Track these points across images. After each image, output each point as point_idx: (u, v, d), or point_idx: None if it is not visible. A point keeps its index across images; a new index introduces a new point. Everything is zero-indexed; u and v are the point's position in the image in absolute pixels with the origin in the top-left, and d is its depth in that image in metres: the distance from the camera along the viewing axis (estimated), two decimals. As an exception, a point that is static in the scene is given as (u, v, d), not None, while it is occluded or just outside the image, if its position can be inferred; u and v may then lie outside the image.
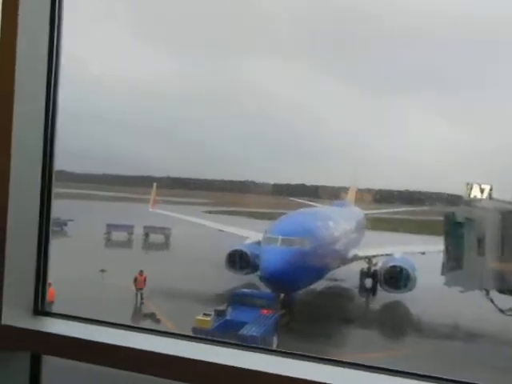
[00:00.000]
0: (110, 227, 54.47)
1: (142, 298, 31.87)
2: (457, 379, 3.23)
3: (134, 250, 51.96)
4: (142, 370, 3.68)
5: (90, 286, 33.31)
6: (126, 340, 3.82)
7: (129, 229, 55.05)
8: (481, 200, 21.61)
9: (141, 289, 32.06)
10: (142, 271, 32.43)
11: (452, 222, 21.51)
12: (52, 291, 28.84)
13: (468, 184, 21.95)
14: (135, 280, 32.08)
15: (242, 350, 3.76)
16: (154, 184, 53.49)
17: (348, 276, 38.21)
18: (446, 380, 3.25)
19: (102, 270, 36.95)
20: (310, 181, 67.84)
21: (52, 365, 4.10)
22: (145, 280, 32.17)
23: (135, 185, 73.75)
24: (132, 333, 4.07)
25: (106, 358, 3.76)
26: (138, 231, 54.68)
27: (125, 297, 31.19)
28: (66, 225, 56.68)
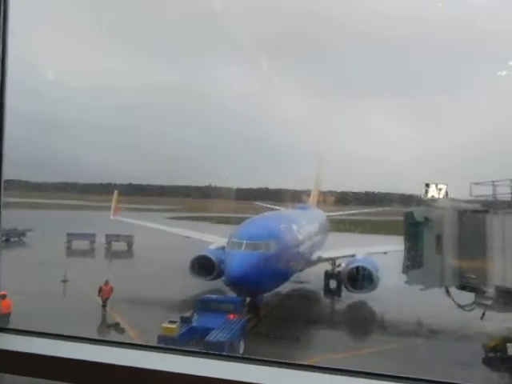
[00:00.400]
0: (71, 236, 53.28)
1: (105, 309, 30.80)
2: (425, 378, 3.29)
3: (96, 259, 50.93)
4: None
5: (51, 297, 32.49)
6: (88, 354, 3.70)
7: (90, 237, 53.96)
8: (438, 199, 22.19)
9: (107, 299, 31.12)
10: (107, 281, 31.51)
11: (411, 221, 21.98)
12: (8, 302, 27.75)
13: (425, 184, 22.48)
14: (100, 290, 31.09)
15: (206, 358, 3.72)
16: (115, 191, 52.62)
17: (313, 278, 38.58)
18: (412, 379, 3.31)
19: (64, 281, 36.07)
20: (273, 184, 68.45)
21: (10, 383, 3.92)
22: (111, 290, 31.26)
23: (96, 192, 72.51)
24: (94, 346, 3.95)
25: (67, 374, 3.63)
26: (100, 239, 53.71)
27: (87, 307, 30.46)
28: (24, 235, 55.12)
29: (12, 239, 53.90)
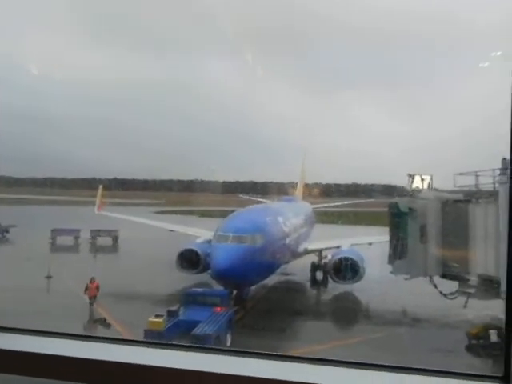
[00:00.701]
0: (55, 232, 52.77)
1: (92, 307, 29.98)
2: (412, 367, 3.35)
3: (81, 255, 50.56)
4: (92, 381, 3.54)
5: (35, 293, 32.21)
6: (74, 350, 3.68)
7: (75, 233, 53.51)
8: (422, 190, 22.39)
9: (94, 297, 30.25)
10: (93, 278, 30.71)
11: (396, 212, 22.17)
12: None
13: (410, 175, 22.66)
14: (86, 288, 30.31)
15: (194, 352, 3.73)
16: (100, 186, 52.18)
17: (299, 270, 38.78)
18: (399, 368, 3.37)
19: (48, 277, 35.78)
20: (259, 178, 68.45)
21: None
22: (97, 287, 30.48)
23: (82, 187, 71.88)
24: (81, 342, 3.92)
25: (54, 370, 3.58)
26: (85, 235, 53.31)
27: (73, 303, 30.25)
28: (7, 231, 54.41)
29: None
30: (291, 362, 3.55)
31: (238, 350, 3.67)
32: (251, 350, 3.66)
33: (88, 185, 66.41)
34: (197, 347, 3.82)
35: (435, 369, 3.35)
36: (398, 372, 3.36)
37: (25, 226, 51.63)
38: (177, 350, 3.82)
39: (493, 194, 19.82)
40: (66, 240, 52.28)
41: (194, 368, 3.38)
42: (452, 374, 3.31)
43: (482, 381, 3.28)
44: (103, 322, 27.89)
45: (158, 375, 3.40)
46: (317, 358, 3.54)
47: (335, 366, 3.42)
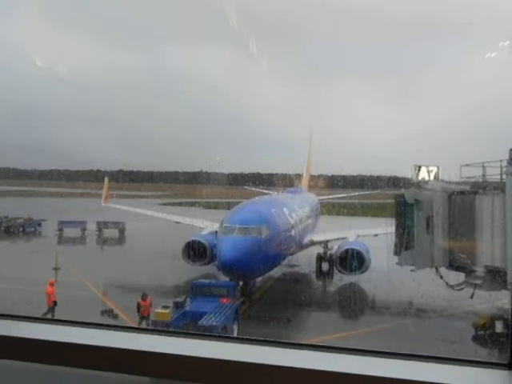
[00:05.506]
0: (62, 224, 53.09)
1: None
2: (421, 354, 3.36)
3: (87, 246, 50.86)
4: (101, 368, 3.57)
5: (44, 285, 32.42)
6: (83, 337, 3.72)
7: (81, 225, 53.82)
8: (428, 181, 22.23)
9: (146, 317, 25.87)
10: (145, 295, 26.53)
11: (402, 203, 22.01)
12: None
13: (416, 166, 22.50)
14: (138, 307, 26.24)
15: (201, 339, 3.76)
16: (106, 178, 52.29)
17: (305, 261, 38.81)
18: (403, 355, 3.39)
19: (56, 268, 36.06)
20: (264, 169, 68.44)
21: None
22: (151, 304, 26.26)
23: (87, 179, 72.14)
24: (90, 329, 3.96)
25: (62, 357, 3.63)
26: (92, 227, 53.60)
27: (80, 295, 30.42)
28: (40, 225, 55.05)
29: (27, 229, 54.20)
30: (302, 349, 3.58)
31: (250, 338, 3.70)
32: (263, 338, 3.69)
33: (95, 176, 66.65)
34: (209, 335, 3.85)
35: (439, 356, 3.36)
36: (400, 359, 3.38)
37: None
38: (183, 337, 3.85)
39: (500, 186, 19.74)
40: (72, 232, 52.62)
41: (200, 355, 3.40)
42: (457, 360, 3.32)
43: (488, 368, 3.28)
44: (110, 313, 28.03)
45: (168, 362, 3.43)
46: (328, 345, 3.55)
47: (344, 353, 3.44)
